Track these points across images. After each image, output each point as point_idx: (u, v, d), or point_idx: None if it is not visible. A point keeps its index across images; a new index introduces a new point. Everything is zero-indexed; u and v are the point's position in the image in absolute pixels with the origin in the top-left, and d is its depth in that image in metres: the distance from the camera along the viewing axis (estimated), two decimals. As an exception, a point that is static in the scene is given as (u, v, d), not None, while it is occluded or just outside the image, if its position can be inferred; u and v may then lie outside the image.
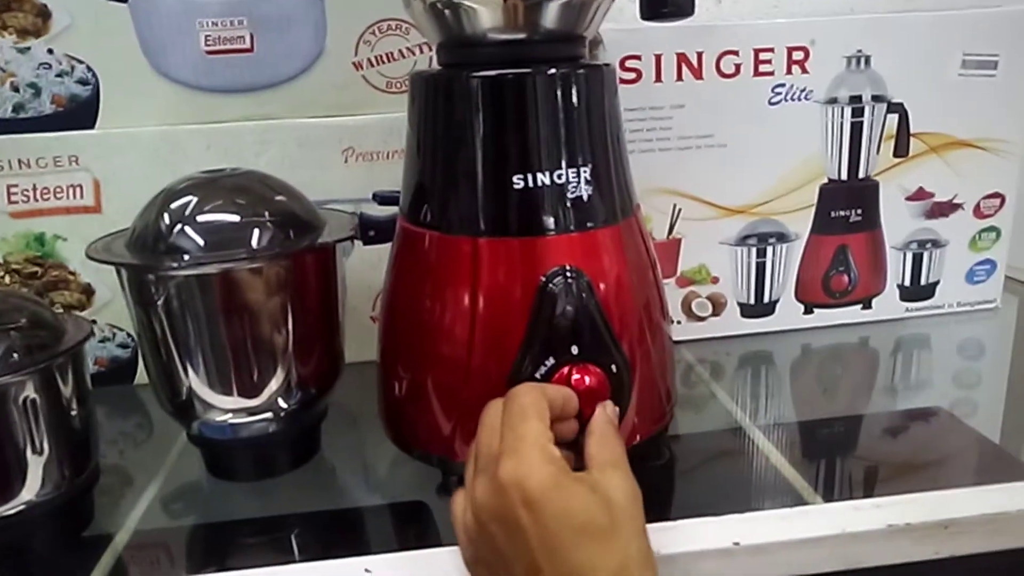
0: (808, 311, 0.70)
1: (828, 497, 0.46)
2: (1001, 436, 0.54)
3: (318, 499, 0.50)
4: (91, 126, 0.59)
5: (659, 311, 0.49)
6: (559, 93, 0.42)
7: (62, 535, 0.44)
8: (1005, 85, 0.66)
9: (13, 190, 0.58)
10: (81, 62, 0.58)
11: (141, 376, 0.63)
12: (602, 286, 0.44)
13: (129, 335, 0.62)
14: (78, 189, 0.59)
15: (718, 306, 0.69)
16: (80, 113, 0.59)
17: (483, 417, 0.39)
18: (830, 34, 0.63)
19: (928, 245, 0.70)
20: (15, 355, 0.40)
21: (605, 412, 0.41)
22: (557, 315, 0.42)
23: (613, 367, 0.43)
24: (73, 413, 0.43)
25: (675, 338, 0.68)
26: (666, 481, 0.50)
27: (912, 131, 0.66)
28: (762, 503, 0.46)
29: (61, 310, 0.61)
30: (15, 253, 0.59)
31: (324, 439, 0.53)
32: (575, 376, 0.41)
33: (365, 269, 0.62)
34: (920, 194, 0.68)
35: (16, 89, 0.58)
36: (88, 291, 0.61)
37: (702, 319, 0.69)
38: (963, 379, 0.64)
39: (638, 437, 0.47)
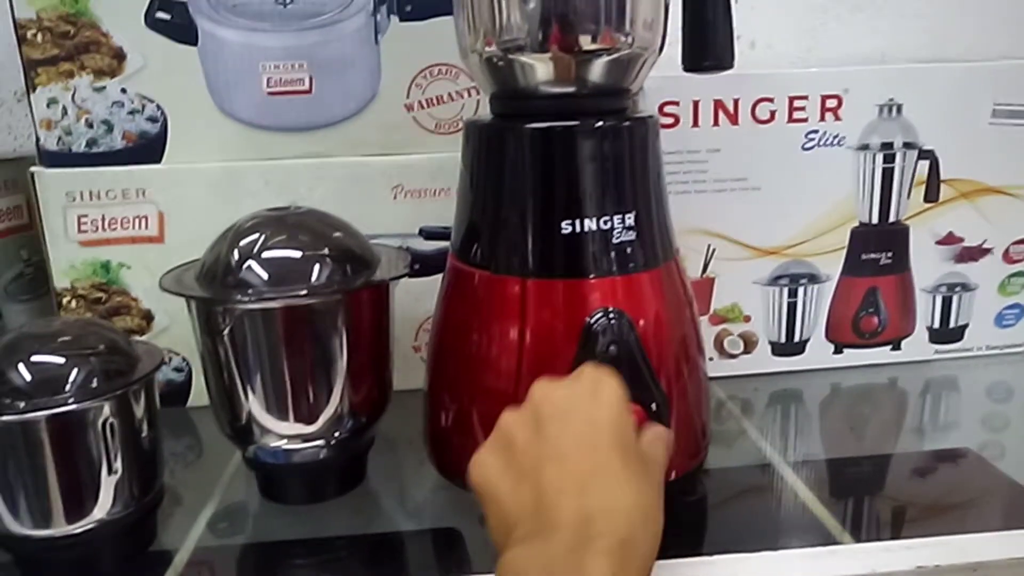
0: (838, 351, 0.71)
1: (856, 536, 0.47)
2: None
3: (363, 522, 0.52)
4: (158, 161, 0.62)
5: (696, 349, 0.51)
6: (606, 145, 0.45)
7: (128, 552, 0.46)
8: (1035, 134, 0.68)
9: (84, 220, 0.61)
10: (151, 101, 0.61)
11: (194, 399, 0.66)
12: (642, 325, 0.46)
13: (184, 359, 0.65)
14: (144, 220, 0.62)
15: (750, 344, 0.70)
16: (149, 149, 0.62)
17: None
18: (863, 83, 0.65)
19: (957, 288, 0.71)
20: (95, 381, 0.43)
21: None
22: (600, 354, 0.44)
23: (653, 405, 0.45)
24: (144, 435, 0.46)
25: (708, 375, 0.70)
26: (699, 516, 0.52)
27: (942, 177, 0.68)
28: (792, 541, 0.47)
29: (123, 334, 0.64)
30: (82, 280, 0.63)
31: (369, 465, 0.56)
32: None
33: (409, 301, 0.65)
34: (950, 239, 0.70)
35: (90, 125, 0.61)
36: (148, 317, 0.64)
37: (734, 356, 0.70)
38: (991, 422, 0.65)
39: (674, 473, 0.48)
